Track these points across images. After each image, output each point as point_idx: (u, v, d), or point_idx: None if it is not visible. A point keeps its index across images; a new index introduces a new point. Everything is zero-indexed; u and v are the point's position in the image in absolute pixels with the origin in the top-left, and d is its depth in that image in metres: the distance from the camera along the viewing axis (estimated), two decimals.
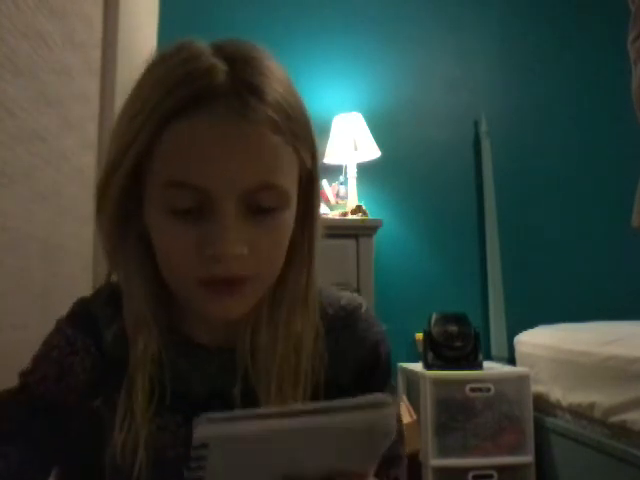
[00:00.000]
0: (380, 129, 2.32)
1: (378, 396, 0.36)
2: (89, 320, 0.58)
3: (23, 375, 0.56)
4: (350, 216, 2.06)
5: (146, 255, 0.54)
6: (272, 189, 0.48)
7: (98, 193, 0.52)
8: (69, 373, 0.55)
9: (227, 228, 0.46)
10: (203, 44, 0.50)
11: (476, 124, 2.54)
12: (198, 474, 0.37)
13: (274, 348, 0.54)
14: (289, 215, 0.51)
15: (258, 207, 0.48)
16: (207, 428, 0.35)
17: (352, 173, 2.21)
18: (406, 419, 1.90)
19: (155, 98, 0.46)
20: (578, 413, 1.83)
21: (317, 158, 0.54)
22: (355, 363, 0.59)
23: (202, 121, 0.46)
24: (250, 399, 0.53)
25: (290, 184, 0.50)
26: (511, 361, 2.28)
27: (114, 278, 0.59)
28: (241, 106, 0.46)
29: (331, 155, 2.20)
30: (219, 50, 0.49)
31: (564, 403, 1.89)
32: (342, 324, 0.59)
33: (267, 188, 0.48)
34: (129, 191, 0.51)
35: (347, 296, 0.63)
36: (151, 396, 0.53)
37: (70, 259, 1.02)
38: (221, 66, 0.47)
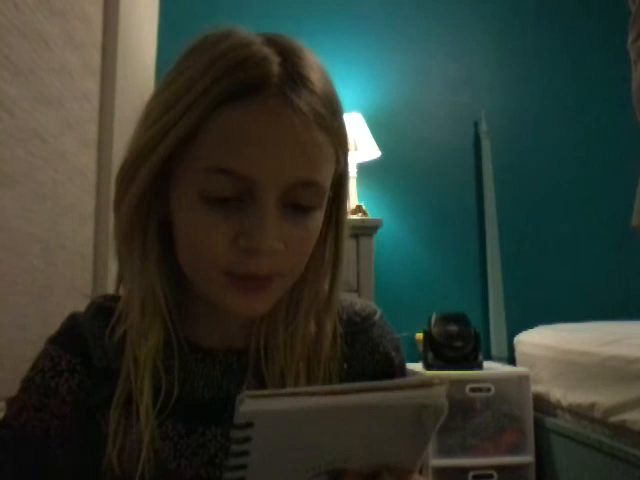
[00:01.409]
0: (380, 129, 2.32)
1: (426, 375, 0.36)
2: (77, 337, 0.56)
3: (9, 404, 0.55)
4: (350, 216, 2.06)
5: (163, 247, 0.52)
6: (314, 186, 0.48)
7: (125, 176, 0.50)
8: (52, 397, 0.54)
9: (268, 221, 0.45)
10: (251, 33, 0.49)
11: (476, 124, 2.54)
12: (242, 460, 0.34)
13: (292, 349, 0.53)
14: (320, 216, 0.51)
15: (296, 205, 0.48)
16: (252, 403, 0.32)
17: (352, 173, 2.21)
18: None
19: (206, 81, 0.45)
20: (578, 413, 1.83)
21: (348, 161, 0.54)
22: (369, 369, 0.58)
23: (254, 110, 0.45)
24: None
25: (328, 184, 0.50)
26: (511, 361, 2.28)
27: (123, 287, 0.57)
28: (293, 98, 0.46)
29: None
30: (269, 41, 0.48)
31: (564, 403, 1.89)
32: (356, 329, 0.59)
33: (310, 185, 0.47)
34: (157, 176, 0.49)
35: (361, 302, 0.62)
36: (155, 402, 0.51)
37: (70, 259, 1.02)
38: (274, 56, 0.47)
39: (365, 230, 1.97)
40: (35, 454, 0.53)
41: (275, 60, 0.46)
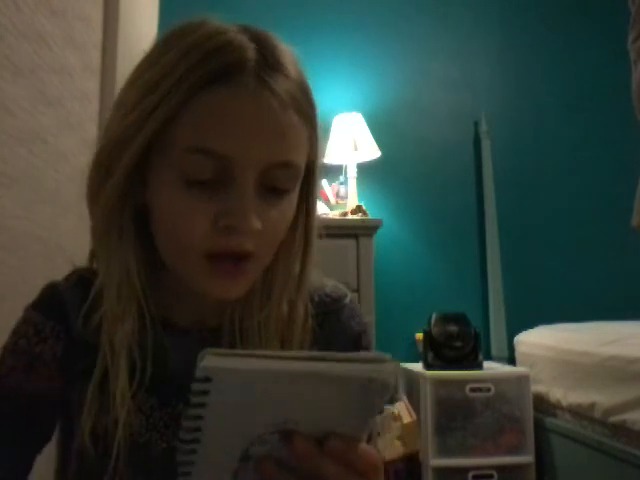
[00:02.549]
0: (380, 129, 2.32)
1: (378, 353, 0.37)
2: (58, 305, 0.57)
3: None
4: (350, 216, 2.06)
5: (139, 233, 0.54)
6: (290, 168, 0.49)
7: (104, 164, 0.51)
8: (38, 362, 0.55)
9: (247, 201, 0.47)
10: (225, 23, 0.51)
11: (476, 124, 2.54)
12: (199, 411, 0.36)
13: (266, 328, 0.55)
14: (294, 198, 0.53)
15: (272, 187, 0.49)
16: (212, 360, 0.34)
17: (352, 173, 2.21)
18: (406, 419, 1.90)
19: (184, 66, 0.46)
20: (578, 413, 1.83)
21: (319, 148, 0.55)
22: (336, 349, 0.60)
23: (233, 92, 0.46)
24: None
25: (302, 166, 0.52)
26: (511, 361, 2.28)
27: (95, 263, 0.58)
28: (269, 81, 0.47)
29: (331, 155, 2.20)
30: (244, 29, 0.50)
31: (564, 403, 1.89)
32: (327, 310, 0.61)
33: (286, 166, 0.49)
34: (137, 163, 0.50)
35: (332, 284, 0.64)
36: (131, 378, 0.52)
37: (70, 259, 1.02)
38: (250, 43, 0.49)
39: (365, 230, 1.97)
40: (25, 413, 0.54)
41: (251, 46, 0.48)
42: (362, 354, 0.37)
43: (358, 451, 0.39)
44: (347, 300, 0.63)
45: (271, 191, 0.49)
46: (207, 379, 0.35)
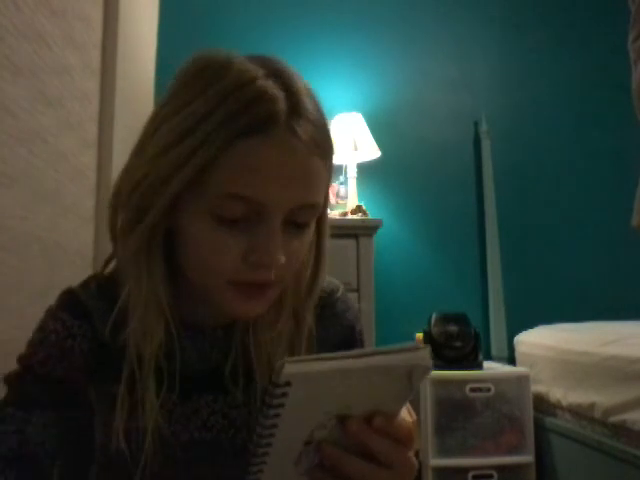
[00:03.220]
0: (380, 129, 2.32)
1: (413, 342, 0.44)
2: (82, 309, 0.59)
3: (24, 359, 0.58)
4: (350, 216, 2.06)
5: (166, 250, 0.57)
6: (313, 208, 0.54)
7: (137, 204, 0.53)
8: (70, 353, 0.58)
9: (275, 239, 0.51)
10: (250, 61, 0.53)
11: (476, 124, 2.54)
12: (278, 411, 0.41)
13: (275, 327, 0.60)
14: (313, 228, 0.58)
15: (294, 223, 0.53)
16: (293, 367, 0.40)
17: (352, 173, 2.21)
18: (406, 419, 1.90)
19: (218, 118, 0.49)
20: (578, 413, 1.83)
21: (332, 177, 0.59)
22: (334, 339, 0.67)
23: (267, 143, 0.50)
24: (245, 373, 0.61)
25: (322, 202, 0.57)
26: (511, 361, 2.28)
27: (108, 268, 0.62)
28: (298, 130, 0.51)
29: None
30: (271, 72, 0.52)
31: (564, 403, 1.89)
32: (322, 303, 0.67)
33: (309, 207, 0.53)
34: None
35: (326, 279, 0.68)
36: (160, 383, 0.56)
37: (70, 259, 1.02)
38: (279, 92, 0.51)
39: (365, 230, 1.97)
40: (59, 398, 0.57)
41: (281, 96, 0.51)
42: (404, 345, 0.44)
43: (396, 424, 0.46)
44: (340, 293, 0.70)
45: (294, 225, 0.54)
46: (288, 383, 0.40)
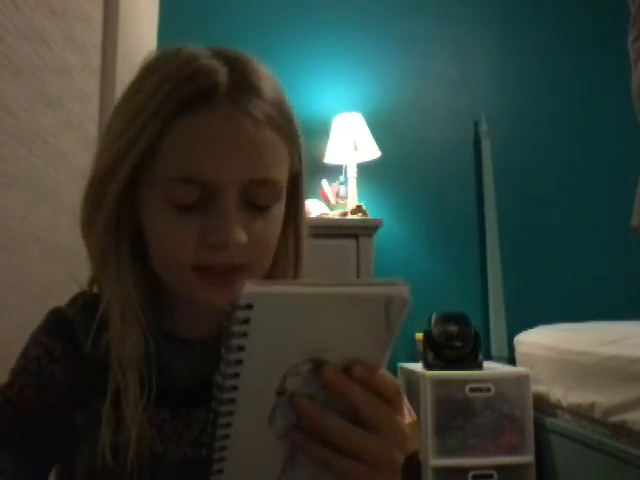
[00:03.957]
0: (380, 129, 2.32)
1: (391, 277, 0.40)
2: (66, 326, 0.58)
3: (3, 389, 0.56)
4: (350, 216, 2.06)
5: (136, 253, 0.55)
6: (269, 184, 0.51)
7: (94, 193, 0.53)
8: (51, 380, 0.55)
9: (230, 218, 0.49)
10: (200, 48, 0.53)
11: (476, 124, 2.54)
12: (240, 342, 0.37)
13: None
14: (279, 210, 0.55)
15: (253, 204, 0.51)
16: (253, 287, 0.36)
17: (352, 173, 2.21)
18: (406, 419, 1.90)
19: (159, 97, 0.48)
20: (578, 413, 1.83)
21: (303, 161, 0.57)
22: None
23: (207, 118, 0.48)
24: None
25: (283, 181, 0.54)
26: (511, 361, 2.28)
27: (95, 287, 0.60)
28: (243, 103, 0.49)
29: (331, 155, 2.20)
30: (217, 53, 0.52)
31: (564, 403, 1.89)
32: None
33: (265, 183, 0.51)
34: (125, 189, 0.52)
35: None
36: (141, 394, 0.53)
37: (70, 259, 1.02)
38: (222, 67, 0.50)
39: (365, 230, 1.97)
40: (38, 431, 0.54)
41: (223, 70, 0.50)
42: (379, 279, 0.42)
43: (380, 378, 0.42)
44: None
45: (253, 206, 0.52)
46: (249, 306, 0.36)
